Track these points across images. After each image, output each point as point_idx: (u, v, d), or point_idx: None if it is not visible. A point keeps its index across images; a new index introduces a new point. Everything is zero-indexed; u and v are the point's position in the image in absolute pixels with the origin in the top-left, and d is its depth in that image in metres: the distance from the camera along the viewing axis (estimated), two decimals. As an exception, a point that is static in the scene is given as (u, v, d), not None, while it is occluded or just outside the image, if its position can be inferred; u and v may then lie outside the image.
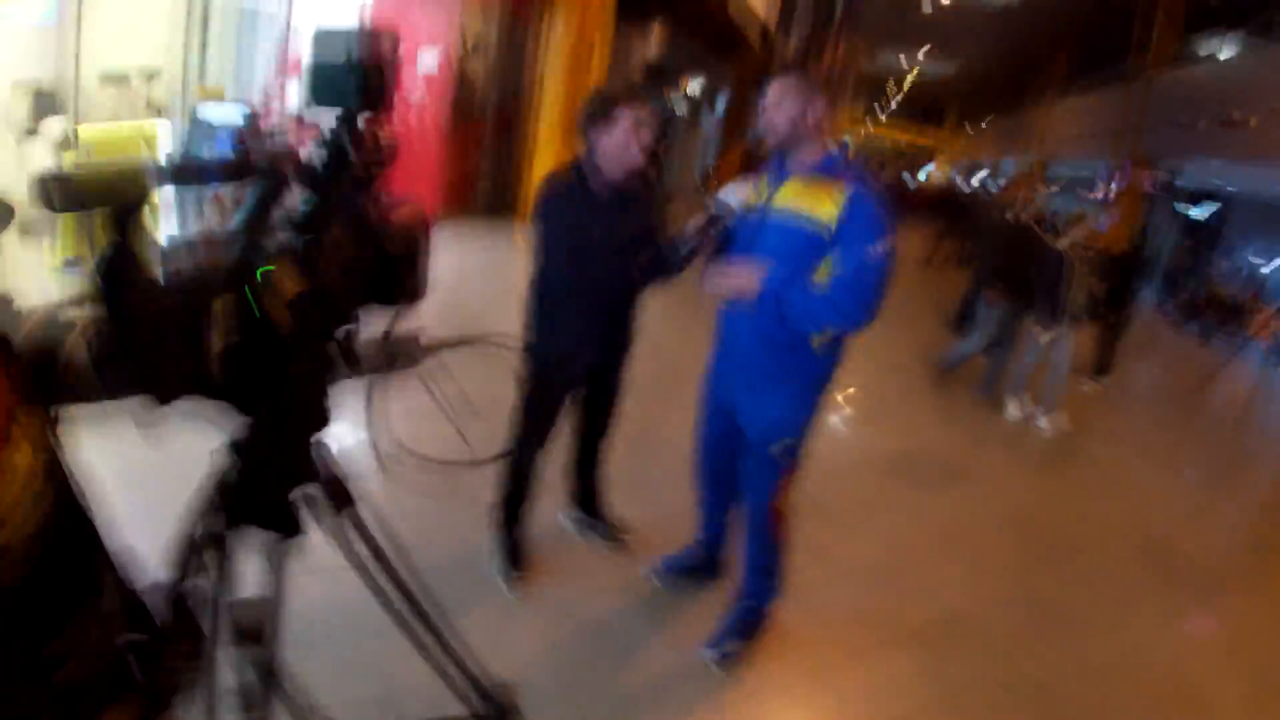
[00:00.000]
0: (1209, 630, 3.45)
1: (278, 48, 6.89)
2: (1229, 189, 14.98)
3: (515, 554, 2.84)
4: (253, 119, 5.55)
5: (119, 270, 0.58)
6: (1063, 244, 5.46)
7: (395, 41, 0.77)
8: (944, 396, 6.42)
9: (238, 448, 0.76)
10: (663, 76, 14.98)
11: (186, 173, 0.61)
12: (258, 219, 0.70)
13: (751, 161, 12.82)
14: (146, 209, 0.59)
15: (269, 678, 1.03)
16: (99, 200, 0.57)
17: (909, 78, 29.60)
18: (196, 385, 0.66)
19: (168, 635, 0.64)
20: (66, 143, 5.01)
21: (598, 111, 2.48)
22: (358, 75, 0.74)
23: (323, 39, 0.78)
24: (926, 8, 21.99)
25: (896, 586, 3.27)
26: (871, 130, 32.16)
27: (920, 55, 27.98)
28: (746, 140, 15.58)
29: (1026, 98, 25.09)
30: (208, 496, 0.75)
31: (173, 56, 5.89)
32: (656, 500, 3.50)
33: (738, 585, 2.67)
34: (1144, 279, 6.63)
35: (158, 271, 0.59)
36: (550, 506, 3.13)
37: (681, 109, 18.42)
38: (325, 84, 0.77)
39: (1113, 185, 14.91)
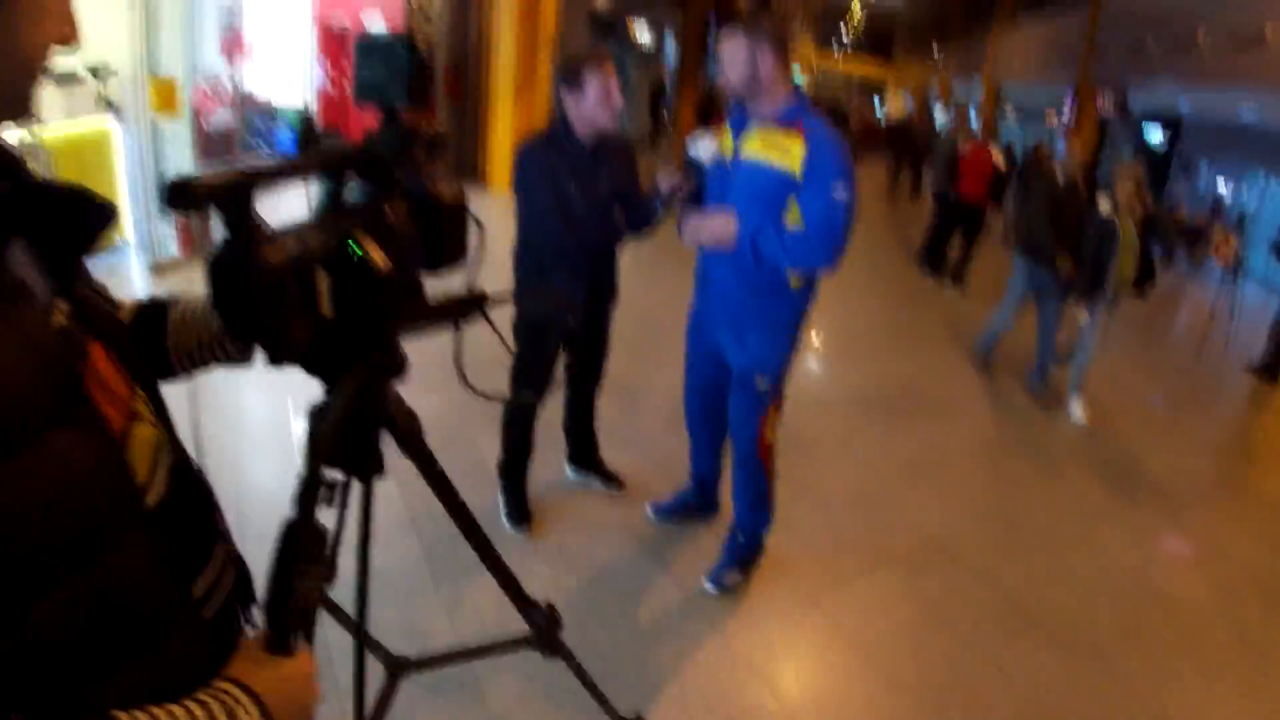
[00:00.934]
0: (1174, 540, 3.69)
1: (225, 31, 6.77)
2: (1181, 111, 15.03)
3: (521, 506, 2.99)
4: (308, 119, 5.51)
5: (234, 257, 0.69)
6: (1105, 208, 4.68)
7: (430, 46, 0.88)
8: (915, 331, 6.57)
9: (323, 406, 0.88)
10: (611, 27, 14.79)
11: (286, 171, 0.70)
12: (334, 206, 0.81)
13: (710, 107, 12.75)
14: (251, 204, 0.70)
15: (361, 614, 1.16)
16: (217, 199, 0.67)
17: (858, 11, 29.44)
18: (302, 353, 0.78)
19: (294, 570, 0.75)
20: (24, 147, 4.89)
21: (567, 77, 2.55)
22: (404, 79, 0.86)
23: (366, 49, 0.89)
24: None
25: (876, 513, 3.48)
26: (827, 67, 31.90)
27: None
28: (701, 86, 15.45)
29: (977, 25, 25.07)
30: (309, 444, 0.87)
31: (121, 50, 5.71)
32: (650, 447, 3.67)
33: (732, 519, 2.84)
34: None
35: (265, 256, 0.69)
36: (551, 461, 3.27)
37: (633, 58, 18.18)
38: (372, 87, 0.90)
39: (1066, 111, 14.99)
